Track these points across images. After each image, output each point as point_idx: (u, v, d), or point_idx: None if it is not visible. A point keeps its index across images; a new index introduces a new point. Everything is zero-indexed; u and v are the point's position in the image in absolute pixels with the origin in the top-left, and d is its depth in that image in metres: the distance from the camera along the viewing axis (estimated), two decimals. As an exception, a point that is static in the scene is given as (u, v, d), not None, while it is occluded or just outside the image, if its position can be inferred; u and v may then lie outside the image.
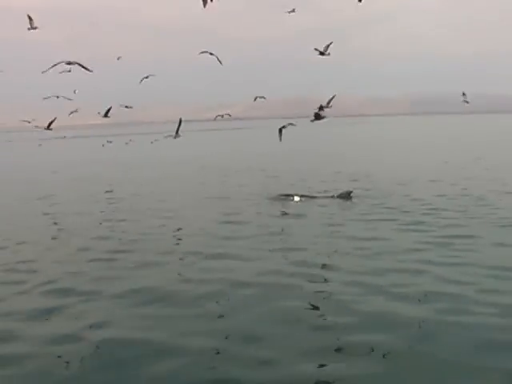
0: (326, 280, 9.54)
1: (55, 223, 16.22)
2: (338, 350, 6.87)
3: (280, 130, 14.70)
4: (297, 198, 17.60)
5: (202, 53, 13.62)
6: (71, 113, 21.84)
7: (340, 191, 18.16)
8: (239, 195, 19.59)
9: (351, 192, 17.85)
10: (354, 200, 17.45)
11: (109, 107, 16.29)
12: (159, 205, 18.54)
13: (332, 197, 17.81)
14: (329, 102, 14.70)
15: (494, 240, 11.79)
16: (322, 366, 6.47)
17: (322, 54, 12.04)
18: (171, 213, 16.76)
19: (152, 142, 64.69)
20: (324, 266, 10.26)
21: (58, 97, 19.64)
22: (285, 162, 33.21)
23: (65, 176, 30.89)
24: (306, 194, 18.28)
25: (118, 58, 19.24)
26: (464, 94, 16.01)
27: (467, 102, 15.98)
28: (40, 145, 61.33)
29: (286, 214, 15.93)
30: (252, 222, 14.72)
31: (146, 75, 17.24)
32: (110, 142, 60.08)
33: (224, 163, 34.01)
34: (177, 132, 15.95)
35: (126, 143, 63.35)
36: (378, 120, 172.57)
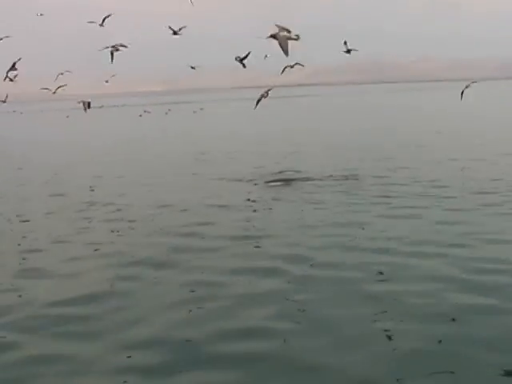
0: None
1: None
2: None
3: (258, 101, 15.14)
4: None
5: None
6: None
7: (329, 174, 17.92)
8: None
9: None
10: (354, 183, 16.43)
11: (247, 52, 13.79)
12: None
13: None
14: None
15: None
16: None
17: None
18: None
19: (195, 112, 60.71)
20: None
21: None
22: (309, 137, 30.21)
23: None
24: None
25: (38, 15, 20.35)
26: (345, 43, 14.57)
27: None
28: (67, 116, 56.11)
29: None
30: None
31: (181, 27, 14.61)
32: (149, 111, 58.06)
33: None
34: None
35: (166, 113, 61.70)
36: (457, 86, 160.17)
